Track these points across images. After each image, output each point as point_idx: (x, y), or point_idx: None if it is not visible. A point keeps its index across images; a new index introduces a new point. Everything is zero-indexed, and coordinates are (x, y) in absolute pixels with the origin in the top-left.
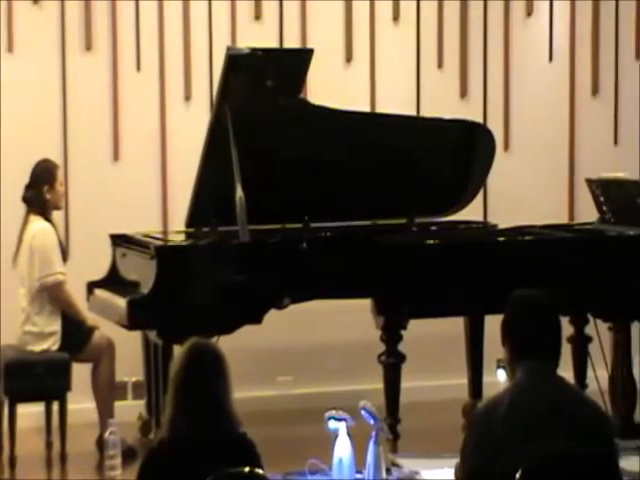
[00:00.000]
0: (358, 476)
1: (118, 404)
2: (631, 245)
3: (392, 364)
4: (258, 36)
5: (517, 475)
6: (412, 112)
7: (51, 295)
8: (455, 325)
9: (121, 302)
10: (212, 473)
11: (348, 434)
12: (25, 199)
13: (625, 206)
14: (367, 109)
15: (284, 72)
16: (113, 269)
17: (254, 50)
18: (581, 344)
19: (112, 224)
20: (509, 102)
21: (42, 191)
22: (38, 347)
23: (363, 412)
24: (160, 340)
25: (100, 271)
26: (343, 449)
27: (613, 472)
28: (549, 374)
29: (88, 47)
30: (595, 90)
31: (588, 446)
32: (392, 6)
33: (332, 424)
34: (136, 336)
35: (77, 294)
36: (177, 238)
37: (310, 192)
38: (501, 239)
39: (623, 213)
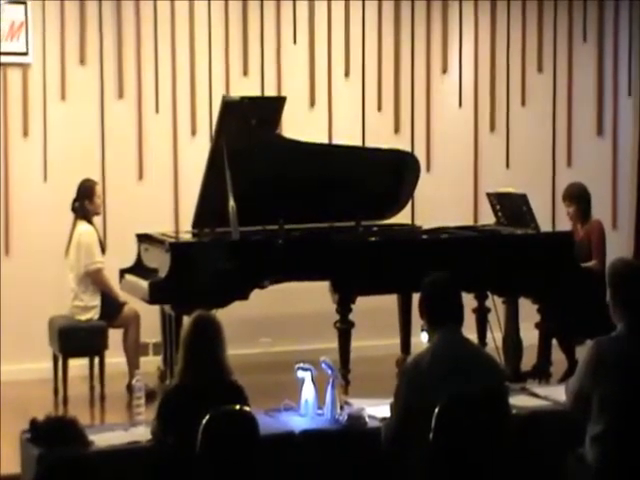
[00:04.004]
0: (319, 412)
1: (142, 359)
2: (518, 241)
3: (344, 329)
4: (246, 87)
5: (436, 409)
6: (359, 143)
7: (93, 278)
8: (390, 300)
9: (144, 284)
10: (211, 410)
11: (312, 381)
12: (73, 209)
13: (513, 212)
14: (326, 141)
15: (265, 114)
16: (138, 259)
17: (242, 98)
18: (482, 314)
19: (138, 226)
20: (430, 136)
21: (84, 203)
22: (84, 317)
23: (323, 364)
24: (173, 312)
25: (129, 261)
26: (308, 392)
27: (505, 406)
28: (457, 336)
29: (120, 95)
30: (493, 128)
31: (487, 387)
32: (344, 64)
33: (300, 373)
34: (155, 309)
35: (112, 278)
36: (186, 236)
37: (284, 202)
38: (424, 237)
39: (512, 217)
